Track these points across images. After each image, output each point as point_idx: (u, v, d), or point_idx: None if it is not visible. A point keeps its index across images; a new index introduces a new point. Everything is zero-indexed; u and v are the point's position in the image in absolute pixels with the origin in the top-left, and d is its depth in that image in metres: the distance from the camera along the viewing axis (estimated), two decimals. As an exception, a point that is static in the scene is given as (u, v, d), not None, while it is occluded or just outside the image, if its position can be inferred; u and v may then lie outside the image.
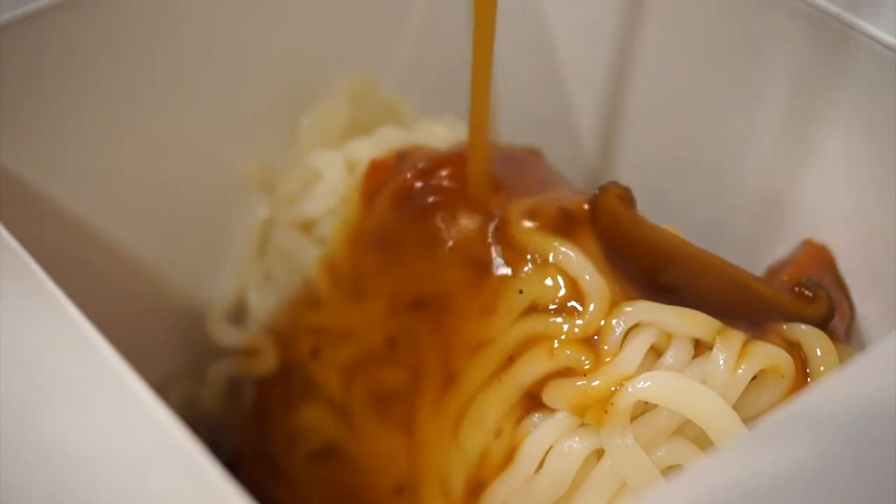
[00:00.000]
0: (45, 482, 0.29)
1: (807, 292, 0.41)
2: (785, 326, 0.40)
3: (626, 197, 0.42)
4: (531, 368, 0.40)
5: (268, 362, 0.50)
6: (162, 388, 0.53)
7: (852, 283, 0.45)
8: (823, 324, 0.41)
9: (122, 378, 0.30)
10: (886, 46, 0.40)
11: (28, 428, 0.30)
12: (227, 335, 0.53)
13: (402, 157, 0.46)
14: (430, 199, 0.44)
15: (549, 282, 0.41)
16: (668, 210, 0.47)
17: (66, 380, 0.31)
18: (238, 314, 0.54)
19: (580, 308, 0.40)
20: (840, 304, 0.43)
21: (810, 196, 0.46)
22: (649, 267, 0.41)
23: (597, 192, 0.42)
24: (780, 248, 0.47)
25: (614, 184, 0.42)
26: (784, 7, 0.43)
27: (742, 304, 0.41)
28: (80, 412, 0.30)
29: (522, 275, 0.41)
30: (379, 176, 0.47)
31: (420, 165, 0.45)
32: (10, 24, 0.43)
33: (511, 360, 0.40)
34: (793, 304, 0.41)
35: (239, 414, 0.53)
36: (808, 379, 0.39)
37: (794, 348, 0.39)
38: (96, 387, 0.31)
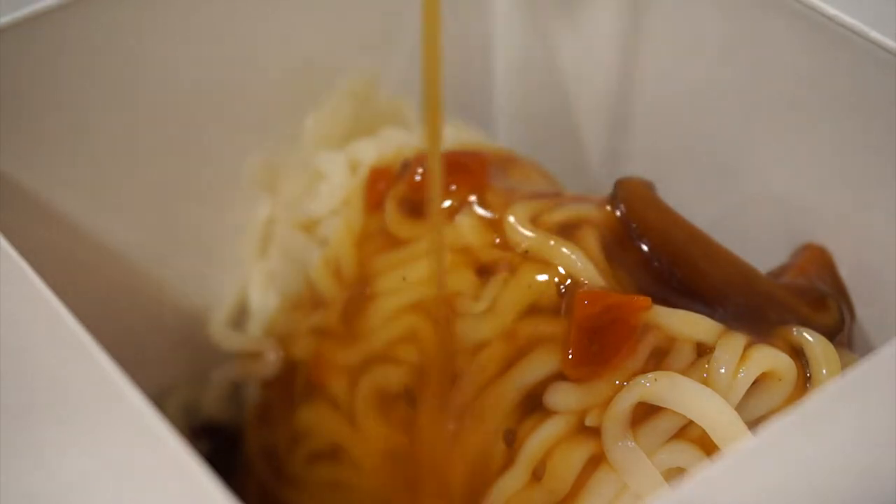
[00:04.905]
0: (41, 494, 0.29)
1: (820, 300, 0.42)
2: (791, 330, 0.40)
3: (650, 185, 0.43)
4: (533, 370, 0.40)
5: (270, 365, 0.50)
6: (164, 394, 0.53)
7: (852, 287, 0.45)
8: (832, 334, 0.41)
9: (118, 388, 0.30)
10: (886, 49, 0.40)
11: (23, 439, 0.30)
12: (230, 340, 0.53)
13: (405, 167, 0.46)
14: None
15: (550, 283, 0.40)
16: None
17: (62, 390, 0.31)
18: (240, 316, 0.54)
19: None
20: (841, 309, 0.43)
21: (810, 199, 0.46)
22: (667, 254, 0.41)
23: (619, 179, 0.43)
24: (779, 251, 0.47)
25: (635, 177, 0.43)
26: (783, 10, 0.43)
27: (754, 303, 0.41)
28: (75, 423, 0.30)
29: (524, 276, 0.41)
30: (379, 183, 0.47)
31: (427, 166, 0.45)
32: (9, 27, 0.43)
33: (512, 361, 0.40)
34: (805, 309, 0.41)
35: (244, 415, 0.53)
36: (809, 384, 0.39)
37: (797, 353, 0.39)
38: (93, 397, 0.31)
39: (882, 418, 0.30)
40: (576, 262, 0.40)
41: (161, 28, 0.48)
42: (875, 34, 0.40)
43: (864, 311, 0.44)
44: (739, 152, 0.48)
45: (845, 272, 0.45)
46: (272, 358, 0.50)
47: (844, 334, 0.42)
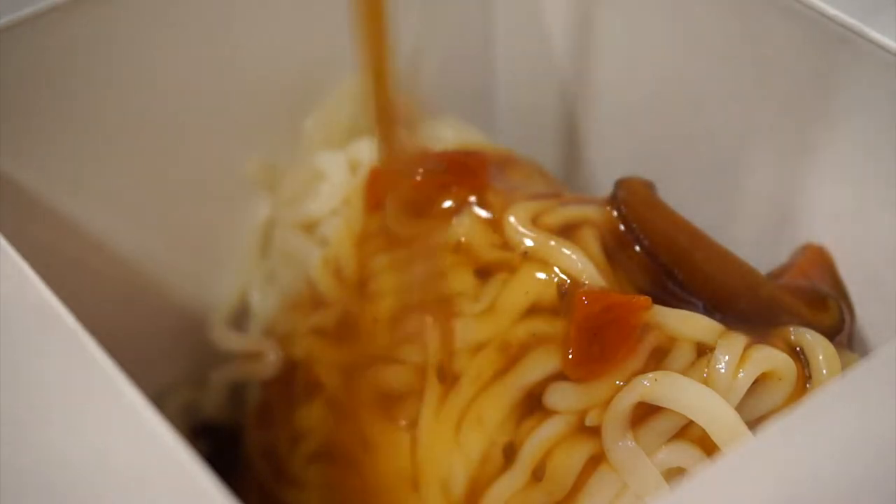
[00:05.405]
0: (42, 496, 0.29)
1: (819, 301, 0.42)
2: (791, 331, 0.40)
3: (651, 186, 0.44)
4: (533, 370, 0.40)
5: (270, 365, 0.50)
6: (164, 394, 0.53)
7: (852, 287, 0.45)
8: (833, 334, 0.41)
9: (119, 390, 0.30)
10: (886, 49, 0.40)
11: (24, 442, 0.30)
12: (231, 341, 0.53)
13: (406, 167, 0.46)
14: (437, 201, 0.44)
15: (550, 283, 0.40)
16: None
17: (62, 393, 0.31)
18: (240, 317, 0.54)
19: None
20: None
21: (809, 199, 0.46)
22: (667, 255, 0.41)
23: (619, 179, 0.43)
24: (779, 252, 0.47)
25: (636, 177, 0.43)
26: (783, 9, 0.43)
27: (754, 305, 0.41)
28: (76, 425, 0.30)
29: (525, 276, 0.41)
30: (380, 183, 0.47)
31: (428, 166, 0.45)
32: (8, 27, 0.43)
33: (512, 361, 0.41)
34: (805, 311, 0.41)
35: (244, 415, 0.53)
36: (809, 384, 0.39)
37: (797, 353, 0.39)
38: (93, 399, 0.31)
39: (882, 418, 0.29)
40: (576, 263, 0.40)
41: (162, 28, 0.48)
42: (875, 34, 0.40)
43: (864, 311, 0.44)
44: (739, 152, 0.48)
45: (845, 272, 0.45)
46: (272, 358, 0.50)
47: (844, 334, 0.42)
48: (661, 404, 0.38)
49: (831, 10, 0.42)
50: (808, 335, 0.40)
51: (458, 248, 0.43)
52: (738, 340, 0.38)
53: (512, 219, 0.42)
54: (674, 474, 0.38)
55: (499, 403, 0.40)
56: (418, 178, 0.45)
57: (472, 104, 0.58)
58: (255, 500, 0.51)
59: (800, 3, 0.42)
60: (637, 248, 0.42)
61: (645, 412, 0.38)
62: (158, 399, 0.50)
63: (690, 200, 0.45)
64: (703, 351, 0.39)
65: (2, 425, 0.30)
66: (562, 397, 0.39)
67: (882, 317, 0.44)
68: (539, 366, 0.40)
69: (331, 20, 0.53)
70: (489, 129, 0.57)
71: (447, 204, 0.44)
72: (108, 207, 0.49)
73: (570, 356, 0.38)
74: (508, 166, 0.47)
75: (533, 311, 0.41)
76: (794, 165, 0.46)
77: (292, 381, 0.49)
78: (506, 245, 0.42)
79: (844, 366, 0.39)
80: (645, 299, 0.38)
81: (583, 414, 0.39)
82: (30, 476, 0.29)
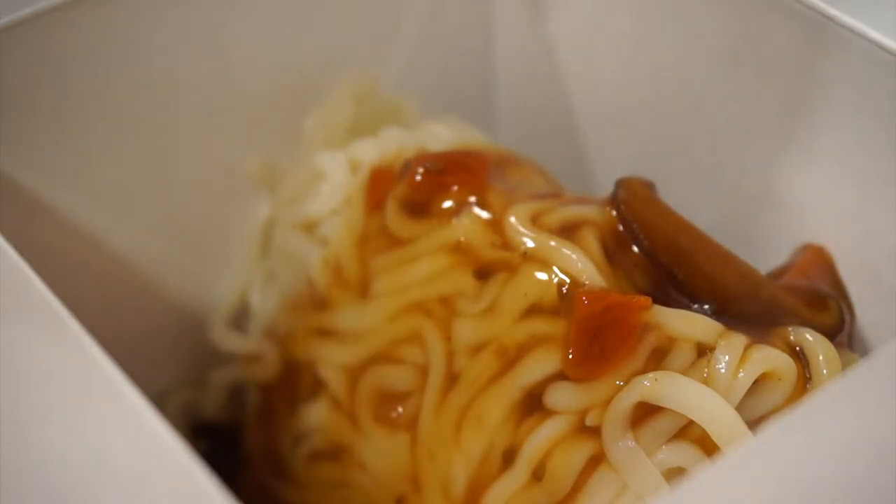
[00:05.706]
0: (42, 496, 0.29)
1: (819, 301, 0.42)
2: (791, 331, 0.40)
3: (651, 186, 0.43)
4: (533, 370, 0.40)
5: (270, 367, 0.50)
6: (164, 394, 0.53)
7: (852, 287, 0.45)
8: (833, 334, 0.41)
9: (120, 391, 0.30)
10: (885, 49, 0.40)
11: (24, 442, 0.30)
12: (231, 341, 0.53)
13: (406, 167, 0.46)
14: (437, 201, 0.44)
15: (550, 283, 0.40)
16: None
17: (63, 393, 0.31)
18: (240, 317, 0.54)
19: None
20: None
21: (810, 199, 0.46)
22: (667, 255, 0.41)
23: (619, 179, 0.43)
24: (779, 251, 0.47)
25: (636, 177, 0.43)
26: (783, 9, 0.43)
27: (755, 305, 0.41)
28: (76, 425, 0.30)
29: (525, 276, 0.41)
30: (380, 183, 0.47)
31: (427, 166, 0.45)
32: (8, 27, 0.43)
33: (513, 361, 0.40)
34: (805, 311, 0.41)
35: (244, 416, 0.53)
36: (809, 384, 0.39)
37: (797, 353, 0.39)
38: (93, 399, 0.31)
39: (882, 418, 0.30)
40: (576, 263, 0.40)
41: (162, 28, 0.48)
42: (875, 34, 0.40)
43: (864, 311, 0.44)
44: (739, 152, 0.48)
45: (845, 272, 0.45)
46: (272, 359, 0.50)
47: (844, 334, 0.43)
48: (661, 404, 0.38)
49: (831, 10, 0.42)
50: (808, 335, 0.40)
51: (458, 248, 0.43)
52: (739, 340, 0.38)
53: (512, 219, 0.42)
54: (674, 474, 0.38)
55: (499, 403, 0.40)
56: (418, 178, 0.45)
57: (472, 104, 0.58)
58: (255, 500, 0.51)
59: (800, 3, 0.42)
60: (637, 248, 0.42)
61: (645, 412, 0.38)
62: (158, 399, 0.50)
63: (690, 200, 0.45)
64: (703, 351, 0.39)
65: (2, 425, 0.30)
66: (562, 397, 0.39)
67: (882, 317, 0.44)
68: (539, 366, 0.40)
69: (330, 21, 0.53)
70: (489, 129, 0.57)
71: (447, 204, 0.44)
72: (108, 207, 0.49)
73: (571, 356, 0.38)
74: (508, 166, 0.47)
75: (533, 311, 0.41)
76: (794, 165, 0.46)
77: (293, 381, 0.49)
78: (506, 245, 0.42)
79: (844, 366, 0.39)
80: (645, 299, 0.38)
81: (583, 414, 0.39)
82: (30, 476, 0.29)
